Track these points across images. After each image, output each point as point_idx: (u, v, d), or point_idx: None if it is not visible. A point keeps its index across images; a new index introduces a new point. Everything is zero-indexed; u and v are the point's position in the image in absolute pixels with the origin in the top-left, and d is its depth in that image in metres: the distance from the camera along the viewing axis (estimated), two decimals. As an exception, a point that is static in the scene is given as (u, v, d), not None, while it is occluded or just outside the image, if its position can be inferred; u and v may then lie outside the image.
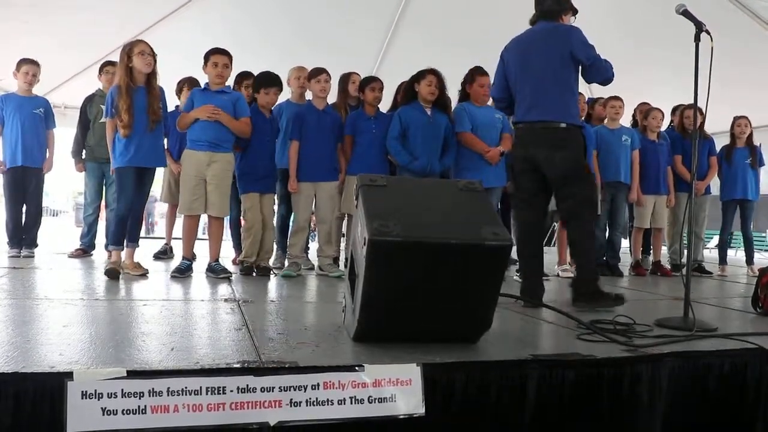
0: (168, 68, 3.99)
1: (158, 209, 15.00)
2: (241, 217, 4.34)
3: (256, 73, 4.34)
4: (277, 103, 4.40)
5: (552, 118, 3.15)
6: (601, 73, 3.21)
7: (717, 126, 6.10)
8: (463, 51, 6.44)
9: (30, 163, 4.81)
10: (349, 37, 6.95)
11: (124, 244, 3.83)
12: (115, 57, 4.29)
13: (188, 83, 4.89)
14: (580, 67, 3.22)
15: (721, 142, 5.86)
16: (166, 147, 4.99)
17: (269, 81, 4.18)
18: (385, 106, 4.61)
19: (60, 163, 5.28)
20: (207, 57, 3.91)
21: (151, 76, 3.75)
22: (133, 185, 3.77)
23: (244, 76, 4.61)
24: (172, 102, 4.95)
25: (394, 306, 1.98)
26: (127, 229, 3.82)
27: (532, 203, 3.30)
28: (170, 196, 5.15)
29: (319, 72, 4.27)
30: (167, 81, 4.19)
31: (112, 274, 3.56)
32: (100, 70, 5.06)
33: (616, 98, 5.24)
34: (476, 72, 4.40)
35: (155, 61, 3.74)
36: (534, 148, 3.17)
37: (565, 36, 3.15)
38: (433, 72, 4.22)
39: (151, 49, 3.74)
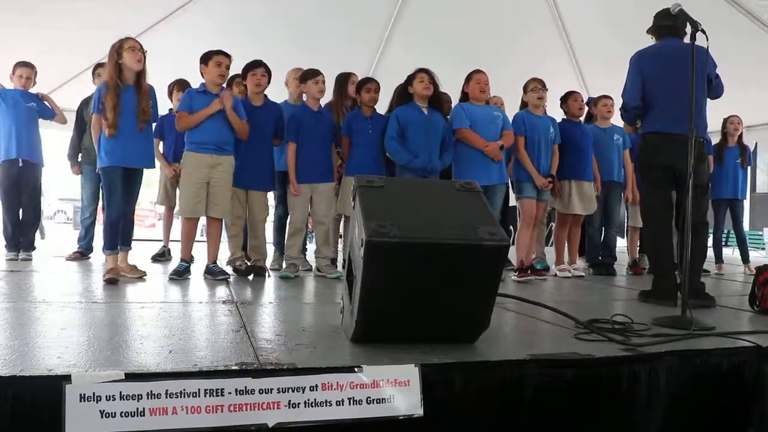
0: (161, 74, 3.97)
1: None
2: None
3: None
4: (277, 102, 4.42)
5: (699, 132, 3.35)
6: (721, 89, 3.51)
7: (712, 125, 6.09)
8: (457, 55, 6.46)
9: (27, 157, 4.76)
10: (344, 42, 6.95)
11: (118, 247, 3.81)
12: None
13: (178, 85, 4.88)
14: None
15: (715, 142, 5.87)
16: (161, 151, 5.01)
17: (253, 63, 4.20)
18: (382, 108, 4.60)
19: (58, 166, 5.27)
20: (208, 57, 3.88)
21: (141, 74, 3.71)
22: (122, 186, 3.72)
23: (233, 77, 4.53)
24: (165, 106, 4.94)
25: (392, 307, 1.98)
26: (119, 232, 3.80)
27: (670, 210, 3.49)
28: (166, 199, 5.15)
29: (316, 73, 4.24)
30: (160, 86, 4.18)
31: (112, 282, 3.50)
32: (93, 72, 5.06)
33: (608, 97, 5.17)
34: (473, 72, 4.41)
35: (145, 58, 3.69)
36: (681, 160, 3.22)
37: (706, 56, 3.29)
38: (424, 70, 4.23)
39: (141, 46, 3.70)
